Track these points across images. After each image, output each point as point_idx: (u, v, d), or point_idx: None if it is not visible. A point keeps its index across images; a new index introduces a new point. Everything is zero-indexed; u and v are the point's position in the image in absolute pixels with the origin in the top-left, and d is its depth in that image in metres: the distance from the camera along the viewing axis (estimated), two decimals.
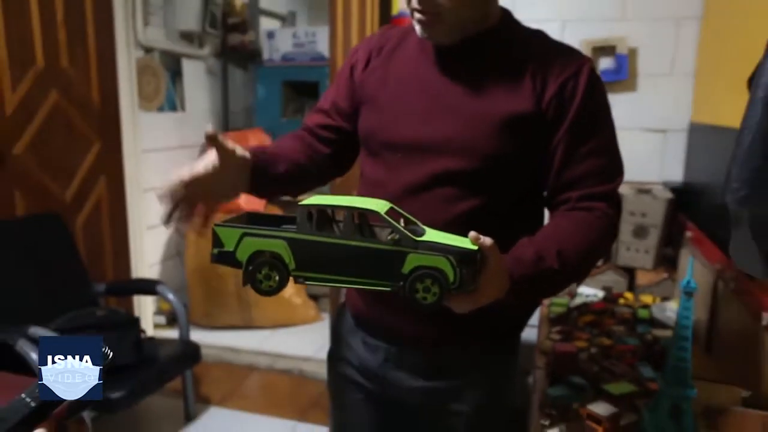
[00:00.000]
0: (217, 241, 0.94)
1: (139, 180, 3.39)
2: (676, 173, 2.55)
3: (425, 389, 1.24)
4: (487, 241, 0.91)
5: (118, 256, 3.22)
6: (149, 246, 3.55)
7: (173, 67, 3.71)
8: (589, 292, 2.06)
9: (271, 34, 4.14)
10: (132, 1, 3.22)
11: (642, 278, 2.17)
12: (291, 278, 0.93)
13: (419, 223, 0.97)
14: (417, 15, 1.12)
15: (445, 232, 0.96)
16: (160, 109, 3.61)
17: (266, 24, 4.66)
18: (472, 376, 1.24)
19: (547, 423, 1.34)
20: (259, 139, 3.99)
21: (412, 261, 0.88)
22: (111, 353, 0.78)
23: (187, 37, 3.79)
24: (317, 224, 0.92)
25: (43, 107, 2.69)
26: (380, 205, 0.93)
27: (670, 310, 1.90)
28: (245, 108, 4.54)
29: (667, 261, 2.24)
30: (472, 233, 0.91)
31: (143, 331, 2.52)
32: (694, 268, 1.99)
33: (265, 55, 4.17)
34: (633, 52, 2.55)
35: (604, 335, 1.76)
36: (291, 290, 3.73)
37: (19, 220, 2.55)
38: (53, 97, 2.73)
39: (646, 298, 2.02)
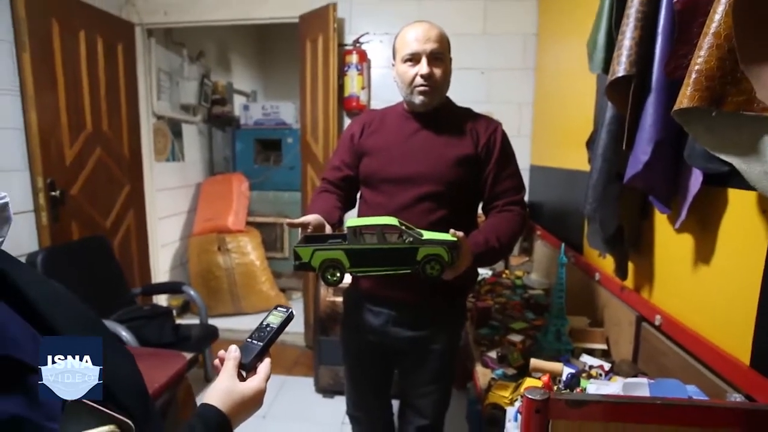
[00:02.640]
0: (297, 257, 1.03)
1: (156, 211, 3.28)
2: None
3: (413, 337, 1.36)
4: (460, 233, 1.08)
5: (141, 266, 3.10)
6: (163, 258, 3.42)
7: (175, 129, 3.63)
8: (483, 272, 2.27)
9: (246, 107, 4.14)
10: (150, 84, 3.15)
11: (513, 261, 2.42)
12: (347, 273, 1.05)
13: (414, 227, 1.10)
14: (422, 88, 1.25)
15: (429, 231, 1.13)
16: (167, 159, 3.52)
17: (237, 99, 4.65)
18: (441, 326, 1.37)
19: (484, 349, 1.50)
20: (239, 179, 3.96)
21: (422, 252, 1.03)
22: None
23: (185, 108, 3.72)
24: (359, 237, 1.04)
25: (91, 160, 2.59)
26: (394, 220, 1.06)
27: (533, 278, 2.19)
28: (224, 158, 4.47)
29: (525, 250, 2.51)
30: (452, 230, 1.07)
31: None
32: (543, 252, 2.29)
33: (242, 121, 4.15)
34: None
35: (500, 296, 1.94)
36: (267, 285, 3.72)
37: (76, 242, 2.42)
38: (98, 152, 2.64)
39: (518, 273, 2.24)
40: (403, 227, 1.05)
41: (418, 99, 1.28)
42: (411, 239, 1.03)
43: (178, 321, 2.72)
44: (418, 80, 1.25)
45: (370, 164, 1.36)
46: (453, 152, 1.29)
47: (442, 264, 1.04)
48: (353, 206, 1.47)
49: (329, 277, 1.04)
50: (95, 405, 0.46)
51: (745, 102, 0.66)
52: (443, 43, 1.28)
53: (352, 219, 1.09)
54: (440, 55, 1.26)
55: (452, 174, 1.28)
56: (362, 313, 1.41)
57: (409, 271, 1.04)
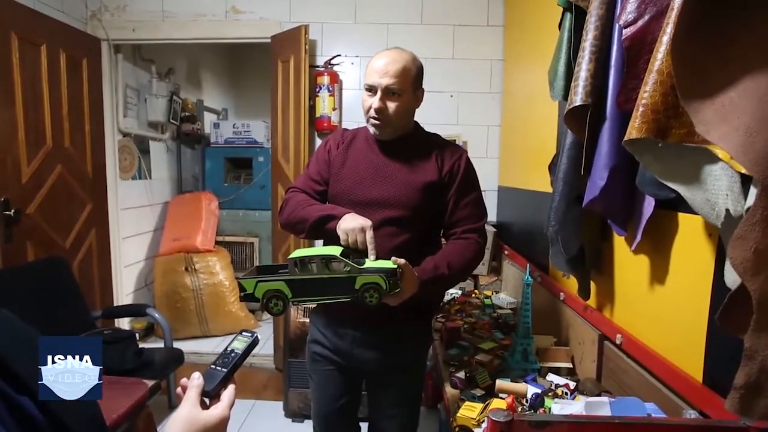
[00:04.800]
0: (241, 288, 1.08)
1: (120, 230, 3.19)
2: (492, 216, 2.89)
3: (378, 357, 1.35)
4: (401, 261, 1.10)
5: (103, 287, 2.98)
6: (126, 279, 3.30)
7: (143, 146, 3.56)
8: (453, 291, 2.28)
9: (216, 125, 4.11)
10: (116, 100, 3.09)
11: (482, 280, 2.44)
12: (290, 303, 1.08)
13: (360, 257, 1.12)
14: (373, 121, 1.28)
15: (390, 255, 1.12)
16: (134, 177, 3.43)
17: (208, 116, 4.60)
18: (406, 346, 1.38)
19: (453, 369, 1.49)
20: (208, 198, 3.89)
21: (360, 280, 1.06)
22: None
23: (153, 125, 3.65)
24: (300, 268, 1.07)
25: (51, 177, 2.50)
26: (336, 250, 1.09)
27: (502, 297, 2.22)
28: (193, 176, 4.40)
29: (494, 269, 2.54)
30: (393, 257, 1.09)
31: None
32: (511, 271, 2.32)
33: (212, 139, 4.10)
34: (465, 143, 2.90)
35: (469, 316, 1.94)
36: (236, 306, 3.63)
37: (31, 264, 2.32)
38: (58, 169, 2.55)
39: (487, 292, 2.27)
40: (342, 257, 1.07)
41: (371, 129, 1.32)
42: (349, 269, 1.06)
43: (142, 345, 2.64)
44: (371, 112, 1.27)
45: (336, 186, 1.37)
46: (418, 178, 1.30)
47: (379, 291, 1.06)
48: None
49: (272, 307, 1.07)
50: None
51: (687, 134, 0.71)
52: (403, 78, 1.26)
53: (298, 250, 1.11)
54: (396, 91, 1.25)
55: (417, 199, 1.29)
56: (327, 334, 1.40)
57: (348, 299, 1.07)
